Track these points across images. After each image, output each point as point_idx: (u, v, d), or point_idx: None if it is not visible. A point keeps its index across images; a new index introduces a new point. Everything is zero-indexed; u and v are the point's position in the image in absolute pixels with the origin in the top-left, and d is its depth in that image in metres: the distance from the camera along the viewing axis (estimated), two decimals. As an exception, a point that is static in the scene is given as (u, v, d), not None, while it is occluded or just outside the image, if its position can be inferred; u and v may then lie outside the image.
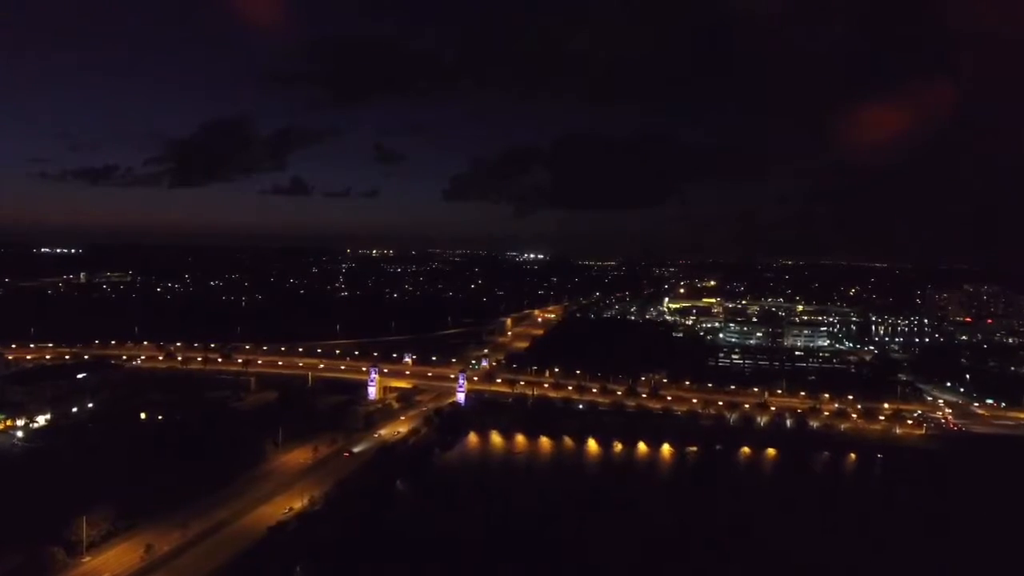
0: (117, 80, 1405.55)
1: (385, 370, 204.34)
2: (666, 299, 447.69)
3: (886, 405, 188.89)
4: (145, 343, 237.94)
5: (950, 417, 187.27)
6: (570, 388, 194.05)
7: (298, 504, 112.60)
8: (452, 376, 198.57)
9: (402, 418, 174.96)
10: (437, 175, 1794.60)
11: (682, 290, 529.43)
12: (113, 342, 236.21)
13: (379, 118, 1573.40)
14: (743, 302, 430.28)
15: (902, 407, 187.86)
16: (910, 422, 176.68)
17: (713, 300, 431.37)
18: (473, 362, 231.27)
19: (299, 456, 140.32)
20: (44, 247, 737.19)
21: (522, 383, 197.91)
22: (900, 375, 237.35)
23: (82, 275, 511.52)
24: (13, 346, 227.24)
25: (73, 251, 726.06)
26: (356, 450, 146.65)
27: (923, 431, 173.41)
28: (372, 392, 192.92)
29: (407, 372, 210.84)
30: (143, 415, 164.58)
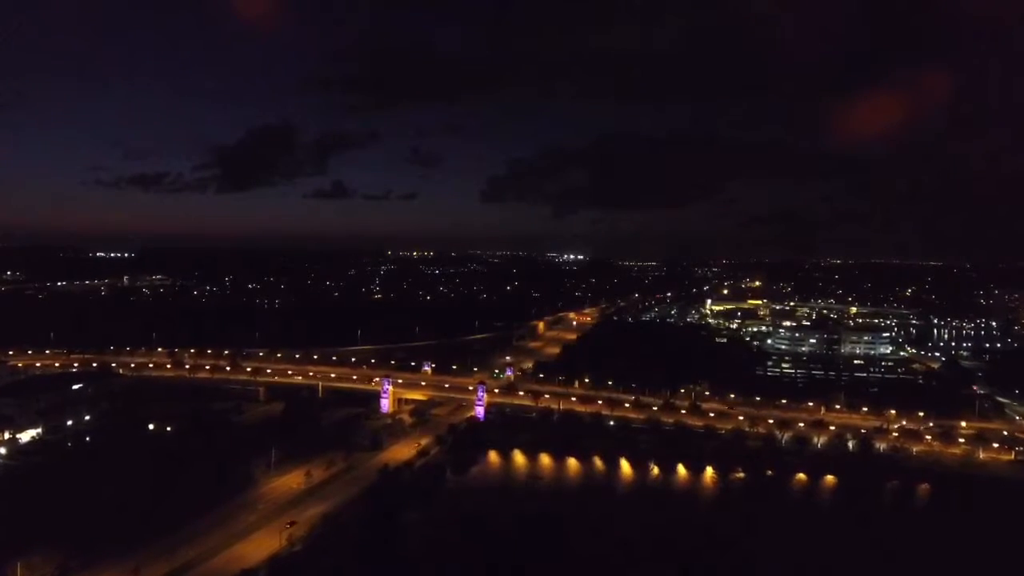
0: (168, 90, 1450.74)
1: (400, 380, 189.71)
2: (708, 301, 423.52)
3: (963, 424, 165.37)
4: (159, 350, 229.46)
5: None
6: (600, 402, 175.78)
7: (276, 543, 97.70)
8: (471, 387, 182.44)
9: (414, 435, 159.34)
10: (475, 177, 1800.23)
11: (725, 291, 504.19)
12: (128, 348, 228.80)
13: (416, 121, 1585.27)
14: (791, 304, 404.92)
15: (983, 426, 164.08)
16: (996, 445, 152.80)
17: (759, 302, 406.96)
18: (497, 371, 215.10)
19: (292, 480, 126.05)
20: (99, 251, 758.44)
21: (547, 396, 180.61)
22: (975, 386, 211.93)
23: (125, 279, 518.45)
24: (29, 352, 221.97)
25: (125, 255, 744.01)
26: (356, 474, 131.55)
27: (1011, 456, 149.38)
28: (385, 405, 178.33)
29: (423, 383, 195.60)
30: (137, 430, 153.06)
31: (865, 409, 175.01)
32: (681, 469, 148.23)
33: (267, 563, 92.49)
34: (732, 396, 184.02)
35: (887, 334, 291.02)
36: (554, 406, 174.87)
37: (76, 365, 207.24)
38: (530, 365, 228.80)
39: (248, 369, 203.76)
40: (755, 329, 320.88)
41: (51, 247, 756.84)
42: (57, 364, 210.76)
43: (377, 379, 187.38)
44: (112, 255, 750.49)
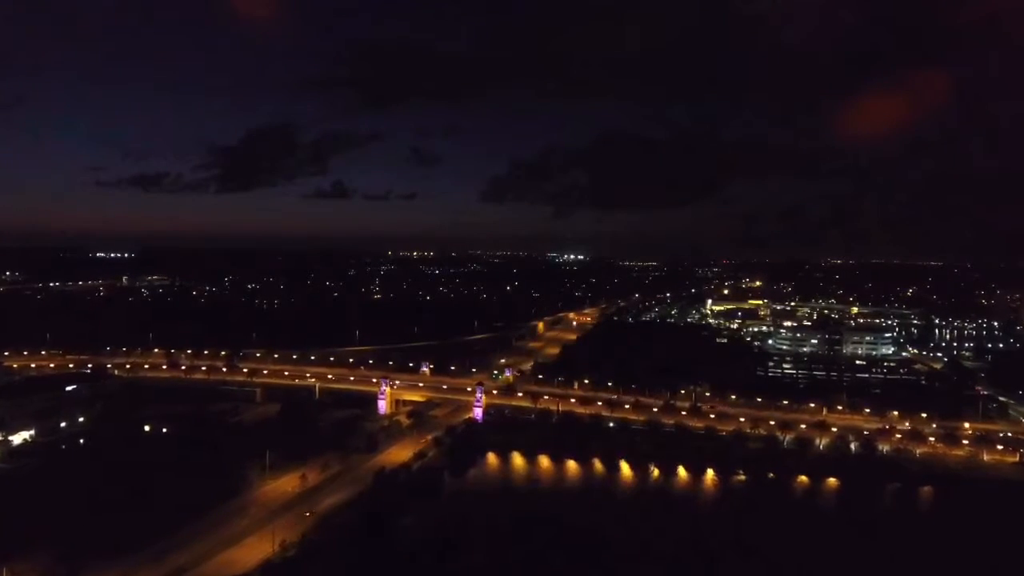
0: (168, 90, 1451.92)
1: (398, 382, 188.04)
2: (709, 301, 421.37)
3: (966, 425, 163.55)
4: (156, 350, 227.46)
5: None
6: (600, 403, 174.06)
7: (269, 548, 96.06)
8: (470, 388, 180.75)
9: (412, 436, 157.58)
10: (475, 177, 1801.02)
11: (726, 291, 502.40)
12: (124, 349, 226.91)
13: (416, 121, 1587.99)
14: (792, 303, 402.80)
15: (987, 427, 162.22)
16: (999, 447, 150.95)
17: (759, 302, 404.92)
18: (495, 372, 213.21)
19: (288, 483, 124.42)
20: (99, 252, 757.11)
21: (546, 397, 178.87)
22: (977, 387, 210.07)
23: (124, 279, 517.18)
24: (25, 353, 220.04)
25: (125, 255, 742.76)
26: (352, 477, 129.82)
27: (1016, 458, 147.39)
28: (382, 406, 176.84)
29: (421, 384, 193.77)
30: (132, 432, 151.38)
31: (867, 410, 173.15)
32: (682, 471, 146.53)
33: (260, 568, 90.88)
34: (733, 397, 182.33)
35: (889, 334, 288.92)
36: (553, 407, 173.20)
37: (71, 366, 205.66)
38: (529, 366, 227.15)
39: (245, 370, 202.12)
40: (756, 329, 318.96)
41: (51, 247, 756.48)
42: (52, 365, 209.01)
43: (376, 380, 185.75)
44: (112, 255, 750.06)
